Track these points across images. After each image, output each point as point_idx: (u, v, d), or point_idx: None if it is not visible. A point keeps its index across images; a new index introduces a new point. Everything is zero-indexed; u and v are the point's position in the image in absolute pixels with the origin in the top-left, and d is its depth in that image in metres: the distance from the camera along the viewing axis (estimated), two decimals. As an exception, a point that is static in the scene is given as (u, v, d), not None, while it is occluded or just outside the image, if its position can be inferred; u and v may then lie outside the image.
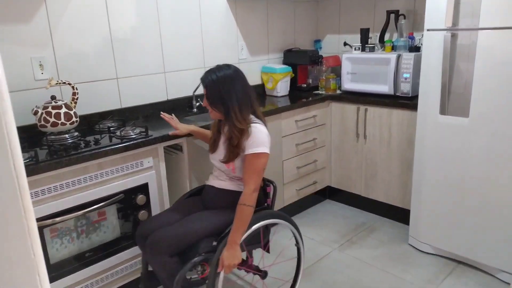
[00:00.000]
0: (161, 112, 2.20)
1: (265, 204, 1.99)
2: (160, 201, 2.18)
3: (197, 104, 2.77)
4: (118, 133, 2.10)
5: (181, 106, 2.75)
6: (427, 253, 2.53)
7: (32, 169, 1.68)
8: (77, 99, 2.11)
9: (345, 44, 3.32)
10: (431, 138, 2.36)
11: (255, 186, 1.72)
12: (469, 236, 2.30)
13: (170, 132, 2.11)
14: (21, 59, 2.05)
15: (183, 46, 2.70)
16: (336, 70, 3.23)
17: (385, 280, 2.30)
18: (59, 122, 1.97)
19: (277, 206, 2.87)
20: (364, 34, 2.96)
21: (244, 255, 1.82)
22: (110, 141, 2.01)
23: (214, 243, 1.74)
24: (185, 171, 2.28)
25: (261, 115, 1.86)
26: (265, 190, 1.99)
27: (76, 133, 2.09)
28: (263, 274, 1.98)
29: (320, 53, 3.45)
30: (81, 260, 1.93)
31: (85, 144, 1.95)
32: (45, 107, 1.98)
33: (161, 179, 2.16)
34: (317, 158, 3.09)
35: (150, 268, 1.88)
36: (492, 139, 2.11)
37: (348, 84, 3.02)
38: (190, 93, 2.77)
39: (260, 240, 1.89)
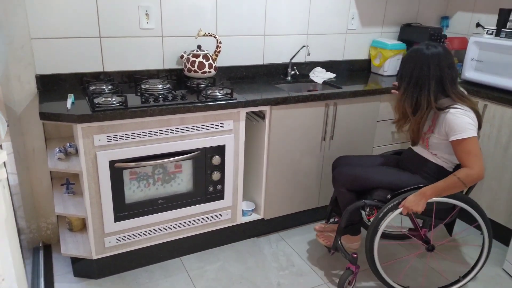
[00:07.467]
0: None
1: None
2: (235, 165, 2.18)
3: (292, 72, 2.65)
4: (204, 92, 2.11)
5: (275, 73, 2.65)
6: (525, 285, 2.15)
7: (119, 113, 1.79)
8: (218, 51, 2.29)
9: (477, 25, 2.83)
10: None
11: (472, 169, 1.70)
12: None
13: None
14: (129, 7, 2.14)
15: (288, 9, 2.55)
16: (460, 55, 2.78)
17: (462, 303, 2.02)
18: (193, 69, 2.25)
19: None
20: (504, 16, 2.45)
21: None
22: (197, 98, 2.03)
23: (389, 196, 1.88)
24: (263, 139, 2.23)
25: (459, 98, 1.81)
26: None
27: (168, 85, 2.16)
28: (430, 247, 2.00)
29: (445, 33, 3.01)
30: (154, 206, 2.05)
31: (173, 97, 2.00)
32: (188, 54, 2.28)
33: (238, 143, 2.15)
34: (415, 151, 2.78)
35: None
36: None
37: (470, 73, 2.59)
38: (287, 60, 2.65)
39: (442, 218, 1.92)
